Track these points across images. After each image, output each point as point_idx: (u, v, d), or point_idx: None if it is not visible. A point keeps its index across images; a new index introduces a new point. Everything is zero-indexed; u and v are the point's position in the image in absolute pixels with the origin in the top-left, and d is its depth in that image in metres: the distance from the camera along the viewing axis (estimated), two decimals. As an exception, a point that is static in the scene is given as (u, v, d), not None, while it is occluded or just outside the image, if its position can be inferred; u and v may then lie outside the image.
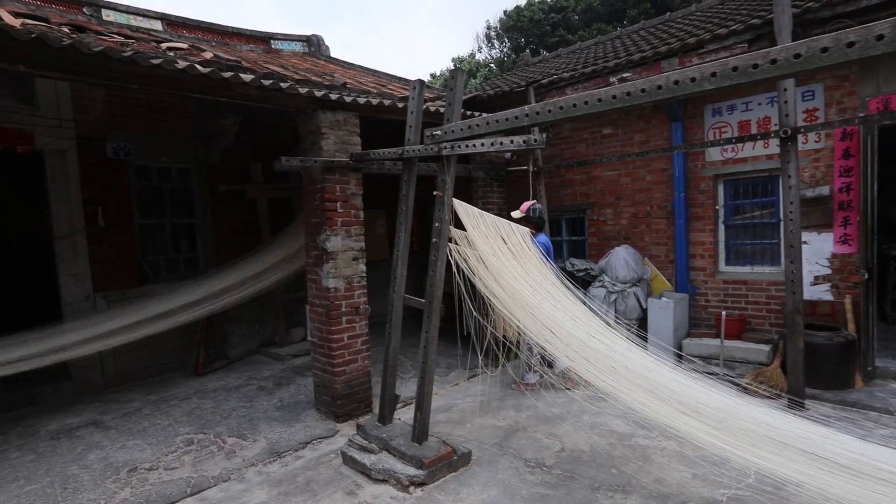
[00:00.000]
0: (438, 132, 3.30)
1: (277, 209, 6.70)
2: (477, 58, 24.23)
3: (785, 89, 3.78)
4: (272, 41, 8.64)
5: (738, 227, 5.42)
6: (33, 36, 2.90)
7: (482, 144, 3.07)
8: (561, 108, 2.60)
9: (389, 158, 3.81)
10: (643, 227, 6.00)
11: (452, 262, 3.43)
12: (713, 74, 2.03)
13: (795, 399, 3.75)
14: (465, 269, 3.45)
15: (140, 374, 5.74)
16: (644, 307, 5.57)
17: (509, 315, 3.45)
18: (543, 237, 4.88)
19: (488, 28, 23.35)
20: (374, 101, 4.50)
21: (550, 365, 4.61)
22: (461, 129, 3.17)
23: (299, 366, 6.07)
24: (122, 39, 4.80)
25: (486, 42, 25.50)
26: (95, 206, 5.44)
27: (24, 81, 5.08)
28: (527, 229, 4.12)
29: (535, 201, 4.96)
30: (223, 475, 3.58)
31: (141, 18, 6.83)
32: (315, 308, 4.47)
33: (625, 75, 5.20)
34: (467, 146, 3.15)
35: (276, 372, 5.90)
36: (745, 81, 1.96)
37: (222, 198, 6.36)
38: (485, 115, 3.07)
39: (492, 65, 25.03)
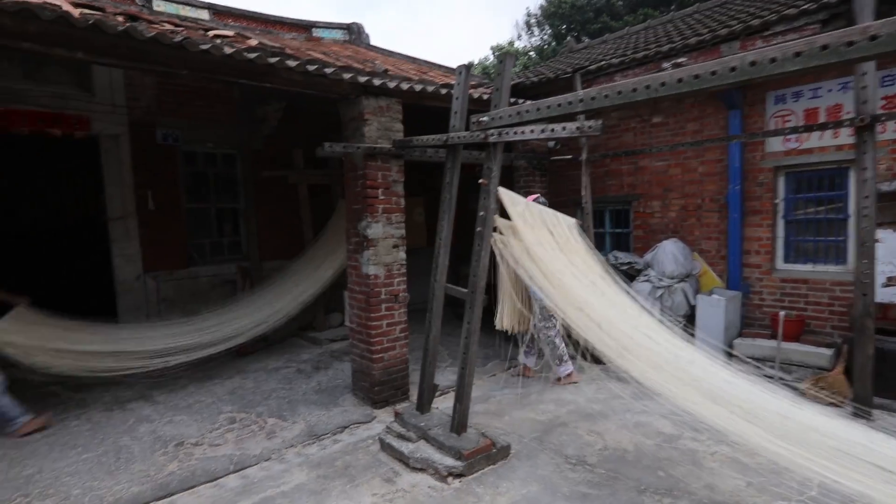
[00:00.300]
0: (486, 118, 3.21)
1: (318, 196, 6.76)
2: (516, 46, 23.76)
3: (864, 73, 3.47)
4: (314, 29, 8.69)
5: (800, 222, 5.08)
6: (91, 23, 2.97)
7: (531, 131, 2.96)
8: (619, 92, 2.46)
9: (433, 145, 3.74)
10: (693, 220, 5.72)
11: (496, 252, 3.35)
12: (797, 54, 1.84)
13: (861, 407, 3.49)
14: (508, 260, 3.36)
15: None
16: (692, 304, 5.33)
17: (555, 307, 3.34)
18: None
19: (528, 15, 22.78)
20: (417, 88, 4.43)
21: (598, 361, 4.48)
22: (509, 116, 3.07)
23: (336, 350, 6.15)
24: (171, 27, 4.90)
25: (525, 30, 24.90)
26: (146, 190, 5.63)
27: (81, 69, 5.27)
28: (573, 220, 3.98)
29: (538, 195, 4.78)
30: (264, 454, 3.66)
31: (189, 8, 6.97)
32: (354, 294, 4.48)
33: (679, 60, 4.93)
34: (515, 133, 3.04)
35: (314, 356, 5.99)
36: (835, 61, 1.77)
37: (264, 183, 6.46)
38: (533, 101, 2.95)
39: (531, 53, 24.46)
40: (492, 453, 3.37)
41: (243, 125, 6.24)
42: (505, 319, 4.85)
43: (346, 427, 4.12)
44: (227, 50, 3.40)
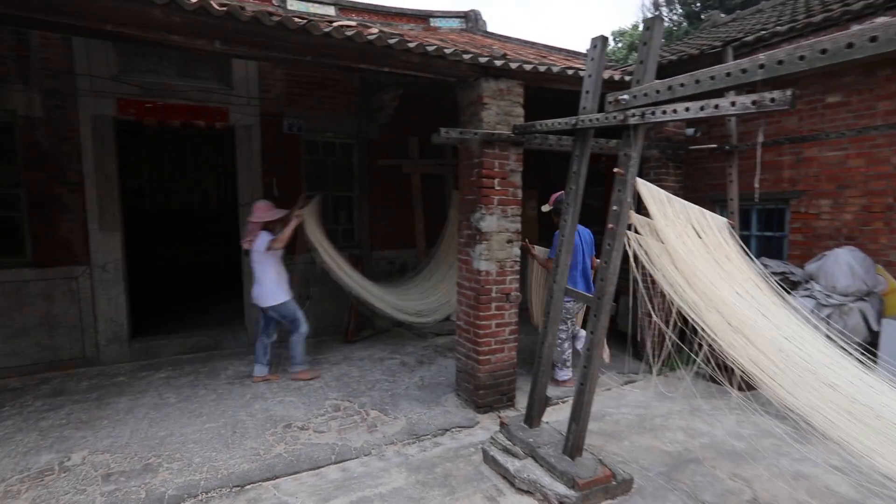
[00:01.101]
0: (626, 96, 2.73)
1: (430, 186, 6.67)
2: (641, 30, 21.93)
3: None
4: (431, 19, 8.64)
5: None
6: (226, 10, 3.05)
7: (686, 109, 2.42)
8: (824, 51, 1.88)
9: (559, 131, 3.33)
10: (879, 224, 4.58)
11: (630, 253, 2.87)
12: None
13: None
14: (644, 262, 2.86)
15: (300, 334, 6.22)
16: (873, 329, 4.27)
17: (698, 320, 2.78)
18: (583, 229, 4.62)
19: (656, -6, 20.89)
20: (541, 68, 4.03)
21: (749, 385, 3.73)
22: (657, 92, 2.56)
23: (440, 346, 6.01)
24: (299, 20, 5.07)
25: (652, 11, 22.97)
26: (271, 178, 5.94)
27: (224, 66, 5.68)
28: (724, 219, 3.32)
29: (563, 192, 4.09)
30: (364, 448, 3.58)
31: (318, 6, 7.29)
32: (463, 290, 4.24)
33: (879, 20, 3.90)
34: (665, 112, 2.53)
35: (418, 349, 5.91)
36: None
37: (378, 172, 6.52)
38: (689, 73, 2.41)
39: (658, 36, 22.42)
40: (610, 486, 2.92)
41: (361, 114, 6.33)
42: (539, 318, 4.79)
43: (447, 430, 3.92)
44: (348, 32, 3.32)
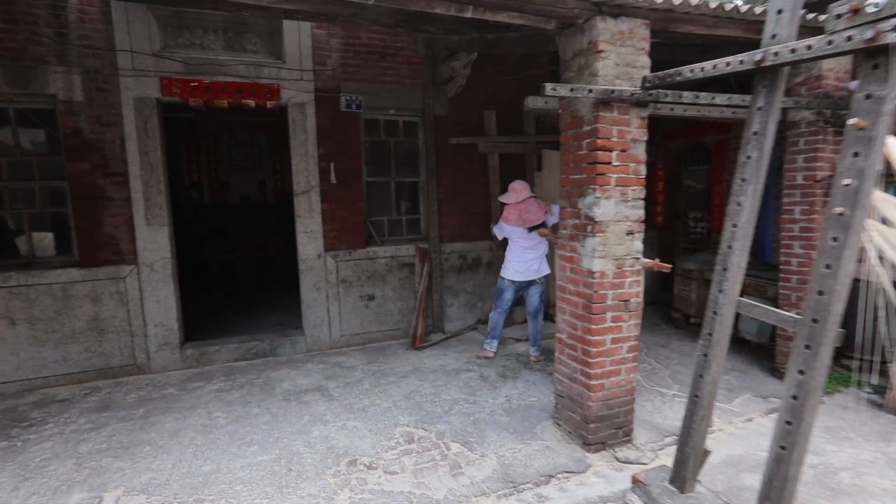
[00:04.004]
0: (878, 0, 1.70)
1: (507, 168, 5.76)
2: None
3: None
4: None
5: None
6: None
7: None
8: None
9: (723, 74, 2.29)
10: None
11: (871, 248, 1.85)
12: None
13: None
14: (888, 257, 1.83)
15: (361, 338, 5.55)
16: None
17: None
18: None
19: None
20: (676, 1, 2.99)
21: None
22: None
23: (523, 354, 5.13)
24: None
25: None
26: (328, 162, 5.25)
27: (273, 35, 5.02)
28: None
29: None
30: (449, 502, 2.80)
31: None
32: (567, 296, 3.33)
33: None
34: (972, 14, 1.48)
35: (499, 359, 5.05)
36: None
37: (447, 153, 5.68)
38: None
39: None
40: None
41: (427, 87, 5.50)
42: None
43: (551, 476, 3.05)
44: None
